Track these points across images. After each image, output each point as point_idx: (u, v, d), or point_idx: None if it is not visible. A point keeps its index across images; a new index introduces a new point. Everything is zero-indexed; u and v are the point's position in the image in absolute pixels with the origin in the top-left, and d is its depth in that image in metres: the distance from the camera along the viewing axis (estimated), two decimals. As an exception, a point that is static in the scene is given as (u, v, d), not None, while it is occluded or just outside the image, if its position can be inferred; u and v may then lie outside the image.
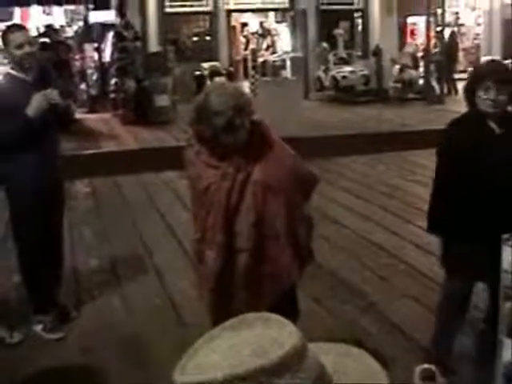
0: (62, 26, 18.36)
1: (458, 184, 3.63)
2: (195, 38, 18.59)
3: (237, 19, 20.90)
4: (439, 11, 17.22)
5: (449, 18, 19.54)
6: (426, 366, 2.20)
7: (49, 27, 16.50)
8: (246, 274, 3.24)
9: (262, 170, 3.18)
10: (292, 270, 3.35)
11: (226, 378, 1.07)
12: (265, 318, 1.21)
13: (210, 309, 3.40)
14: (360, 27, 19.27)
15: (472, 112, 3.69)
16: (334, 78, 16.87)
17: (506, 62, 17.14)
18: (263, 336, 1.16)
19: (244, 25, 22.31)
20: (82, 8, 16.72)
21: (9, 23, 7.61)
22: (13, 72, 4.61)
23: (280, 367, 1.08)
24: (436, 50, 16.69)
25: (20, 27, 4.90)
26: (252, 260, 3.22)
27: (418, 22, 19.66)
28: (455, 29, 19.55)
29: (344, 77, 16.69)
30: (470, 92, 3.66)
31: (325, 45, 17.88)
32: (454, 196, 3.66)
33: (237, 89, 3.32)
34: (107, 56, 15.67)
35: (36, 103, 4.41)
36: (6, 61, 4.96)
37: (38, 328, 4.88)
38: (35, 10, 18.62)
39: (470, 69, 20.01)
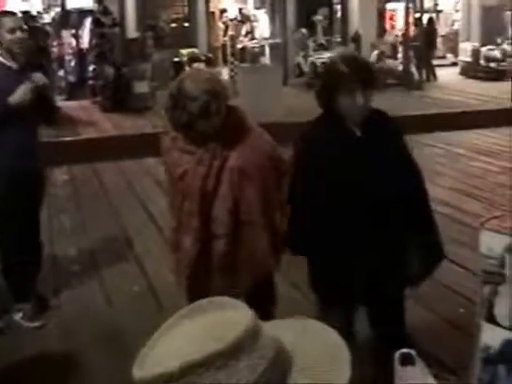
0: (39, 13, 18.11)
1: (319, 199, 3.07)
2: (174, 24, 18.48)
3: (215, 5, 20.78)
4: (418, -3, 17.20)
5: (427, 3, 19.57)
6: (404, 350, 2.23)
7: (26, 13, 16.29)
8: (223, 259, 3.25)
9: (238, 156, 3.18)
10: (269, 256, 3.36)
11: (184, 367, 1.05)
12: (219, 302, 1.22)
13: (188, 295, 3.41)
14: (339, 13, 19.24)
15: (328, 118, 3.09)
16: (313, 64, 16.87)
17: (484, 48, 17.26)
18: (218, 320, 1.16)
19: (223, 11, 22.17)
20: (59, -6, 16.56)
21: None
22: None
23: (235, 349, 1.07)
24: (415, 36, 16.73)
25: (12, 13, 4.89)
26: (228, 246, 3.22)
27: (396, 8, 19.67)
28: (434, 15, 19.57)
29: (323, 63, 16.66)
30: (326, 95, 3.03)
31: (304, 31, 17.86)
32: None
33: (212, 74, 3.33)
34: (85, 42, 15.54)
35: (20, 93, 4.37)
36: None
37: (18, 316, 4.86)
38: (12, -4, 18.39)
39: (448, 55, 20.11)
